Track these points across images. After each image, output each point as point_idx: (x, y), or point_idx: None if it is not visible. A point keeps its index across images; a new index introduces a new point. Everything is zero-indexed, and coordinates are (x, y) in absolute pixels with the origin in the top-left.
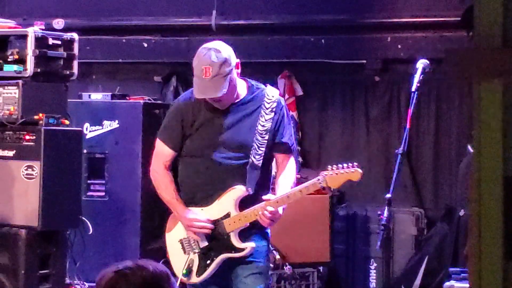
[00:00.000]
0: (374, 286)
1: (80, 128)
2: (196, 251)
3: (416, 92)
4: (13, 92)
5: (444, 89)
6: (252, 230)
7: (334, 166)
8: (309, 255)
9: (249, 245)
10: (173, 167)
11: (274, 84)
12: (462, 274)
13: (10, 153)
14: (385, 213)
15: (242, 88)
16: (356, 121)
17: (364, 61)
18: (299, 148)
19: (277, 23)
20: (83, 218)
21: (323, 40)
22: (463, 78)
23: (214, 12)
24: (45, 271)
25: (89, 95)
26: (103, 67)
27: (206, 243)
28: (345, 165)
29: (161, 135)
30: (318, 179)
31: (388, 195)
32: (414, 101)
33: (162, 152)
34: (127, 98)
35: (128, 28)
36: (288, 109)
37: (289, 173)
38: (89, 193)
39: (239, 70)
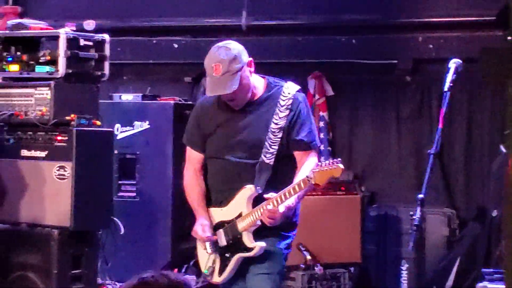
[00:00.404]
0: (406, 287)
1: (111, 129)
2: (217, 251)
3: (448, 92)
4: (45, 93)
5: (476, 89)
6: (267, 231)
7: (322, 162)
8: (340, 255)
9: (258, 245)
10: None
11: (305, 84)
12: (495, 275)
13: (42, 154)
14: (418, 214)
15: (259, 87)
16: (387, 121)
17: (395, 61)
18: (329, 148)
19: (308, 23)
20: (115, 218)
21: (354, 40)
22: (497, 77)
23: (244, 12)
24: (77, 271)
25: (120, 96)
26: (134, 68)
27: (224, 243)
28: (330, 161)
29: (185, 140)
30: (307, 176)
31: (421, 195)
32: (446, 101)
33: (191, 156)
34: (158, 99)
35: (159, 29)
36: (319, 109)
37: (303, 172)
38: (120, 194)
39: (252, 69)
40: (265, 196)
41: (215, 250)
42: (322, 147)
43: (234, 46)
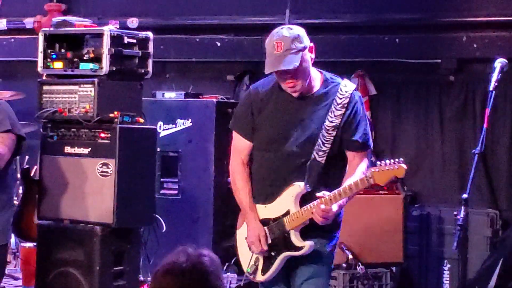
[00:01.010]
0: (448, 287)
1: (154, 126)
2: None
3: (493, 92)
4: (89, 90)
5: None
6: (315, 230)
7: (382, 162)
8: (382, 255)
9: (308, 244)
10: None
11: None
12: None
13: (86, 151)
14: (461, 214)
15: (316, 81)
16: (430, 121)
17: (439, 61)
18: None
19: (351, 22)
20: (157, 216)
21: (397, 39)
22: None
23: (287, 11)
24: (119, 267)
25: (163, 94)
26: (177, 66)
27: (269, 241)
28: (391, 161)
29: (233, 125)
30: (366, 176)
31: (465, 195)
32: (491, 100)
33: (239, 145)
34: (200, 97)
35: (202, 27)
36: None
37: (356, 172)
38: (162, 191)
39: (313, 55)
40: (318, 194)
41: None
42: None
43: (297, 28)
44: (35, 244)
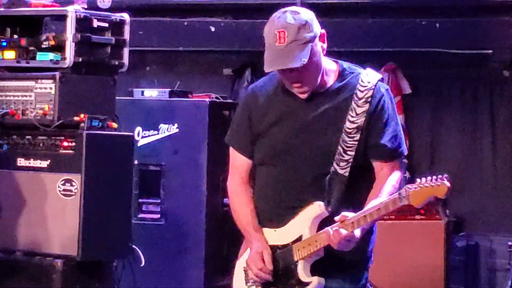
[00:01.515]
0: None
1: (131, 133)
2: (258, 285)
3: None
4: (48, 87)
5: None
6: (335, 266)
7: (423, 178)
8: None
9: (316, 280)
10: None
11: None
12: None
13: (44, 164)
14: None
15: (331, 73)
16: (479, 126)
17: (490, 51)
18: (405, 160)
19: (380, 2)
20: (134, 246)
21: (437, 24)
22: None
23: None
24: None
25: (142, 92)
26: (160, 56)
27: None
28: (430, 177)
29: (228, 139)
30: (399, 194)
31: None
32: None
33: (235, 161)
34: (189, 96)
35: (192, 7)
36: None
37: (385, 187)
38: (141, 215)
39: (325, 45)
40: (336, 218)
41: (253, 282)
42: None
43: (305, 12)
44: None
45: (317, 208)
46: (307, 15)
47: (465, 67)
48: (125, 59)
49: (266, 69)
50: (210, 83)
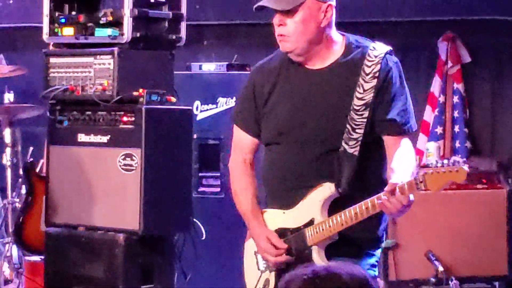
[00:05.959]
0: None
1: (190, 107)
2: (272, 269)
3: None
4: (107, 62)
5: None
6: (347, 247)
7: (439, 162)
8: (480, 267)
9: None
10: None
11: (433, 48)
12: None
13: (104, 139)
14: None
15: (337, 46)
16: None
17: None
18: (466, 130)
19: None
20: (194, 220)
21: None
22: None
23: None
24: (148, 285)
25: (200, 66)
26: (217, 30)
27: (285, 246)
28: (450, 161)
29: (233, 117)
30: (415, 179)
31: None
32: None
33: (240, 140)
34: (247, 69)
35: None
36: (453, 80)
37: (404, 157)
38: (201, 189)
39: (328, 16)
40: (387, 188)
41: (267, 267)
42: (457, 129)
43: None
44: (42, 257)
45: (327, 189)
46: None
47: None
48: (183, 34)
49: (256, 5)
50: (267, 55)
